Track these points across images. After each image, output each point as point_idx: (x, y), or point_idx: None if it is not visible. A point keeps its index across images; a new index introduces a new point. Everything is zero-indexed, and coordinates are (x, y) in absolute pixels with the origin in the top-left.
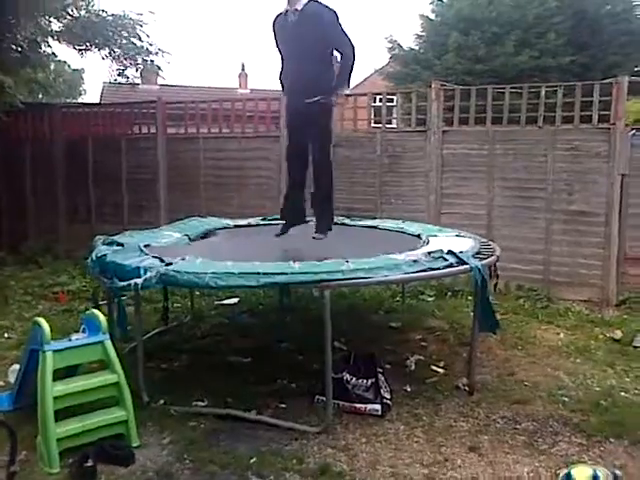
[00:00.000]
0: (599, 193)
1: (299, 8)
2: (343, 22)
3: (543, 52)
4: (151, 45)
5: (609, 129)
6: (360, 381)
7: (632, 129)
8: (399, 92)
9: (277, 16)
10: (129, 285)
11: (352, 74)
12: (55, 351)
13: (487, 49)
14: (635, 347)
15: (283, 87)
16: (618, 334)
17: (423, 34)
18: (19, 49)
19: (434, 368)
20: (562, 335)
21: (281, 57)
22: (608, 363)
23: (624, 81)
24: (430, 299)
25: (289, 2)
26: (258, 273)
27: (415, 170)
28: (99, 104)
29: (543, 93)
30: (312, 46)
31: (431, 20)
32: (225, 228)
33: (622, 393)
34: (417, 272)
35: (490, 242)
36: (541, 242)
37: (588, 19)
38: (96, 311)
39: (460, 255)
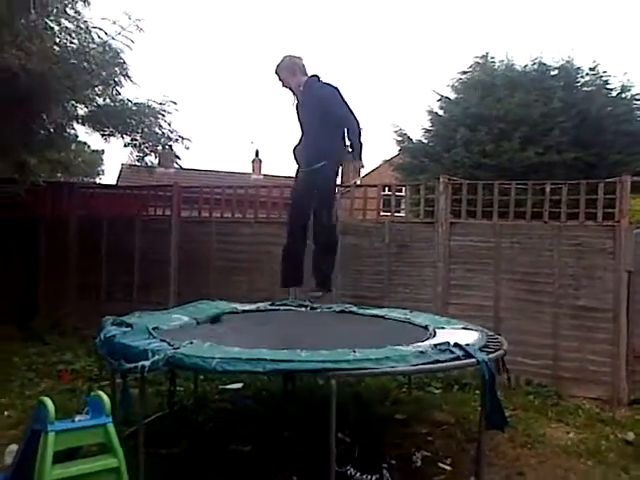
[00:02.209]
0: (606, 289)
1: (301, 88)
2: (346, 97)
3: (548, 149)
4: (172, 132)
5: (614, 226)
6: (365, 476)
7: (637, 227)
8: (408, 184)
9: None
10: (136, 367)
11: (362, 146)
12: (58, 432)
13: (494, 144)
14: None
15: (296, 159)
16: (631, 436)
17: (432, 128)
18: (45, 132)
19: (441, 465)
20: (572, 434)
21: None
22: (621, 467)
23: (627, 180)
24: (437, 391)
25: (291, 89)
26: (265, 359)
27: (423, 260)
28: (116, 186)
29: (548, 190)
30: (316, 119)
31: (439, 116)
32: (233, 313)
33: None
34: (424, 364)
35: (497, 335)
36: (549, 337)
37: (591, 119)
38: (101, 392)
39: (467, 348)
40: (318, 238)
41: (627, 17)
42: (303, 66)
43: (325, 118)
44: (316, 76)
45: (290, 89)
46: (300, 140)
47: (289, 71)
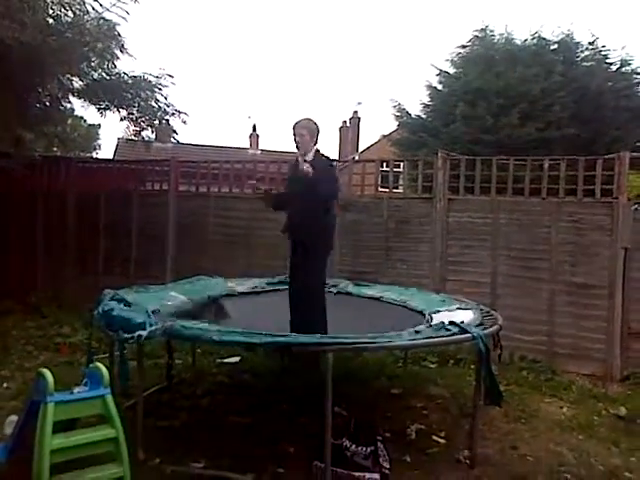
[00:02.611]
0: (602, 266)
1: (308, 159)
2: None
3: (548, 124)
4: (168, 107)
5: (612, 203)
6: (359, 448)
7: (635, 203)
8: (406, 160)
9: (292, 163)
10: (133, 337)
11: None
12: (57, 403)
13: (493, 120)
14: None
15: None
16: (622, 411)
17: (430, 103)
18: (41, 105)
19: (435, 438)
20: (565, 409)
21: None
22: (612, 441)
23: (626, 156)
24: (432, 366)
25: (300, 148)
26: (261, 333)
27: (421, 236)
28: (114, 160)
29: (546, 166)
30: (311, 197)
31: (438, 90)
32: (230, 295)
33: (627, 473)
34: (420, 339)
35: (493, 311)
36: (544, 313)
37: (591, 94)
38: (99, 364)
39: (462, 325)
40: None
41: None
42: (318, 135)
43: (315, 196)
44: (319, 150)
45: (297, 147)
46: (296, 205)
47: (311, 135)
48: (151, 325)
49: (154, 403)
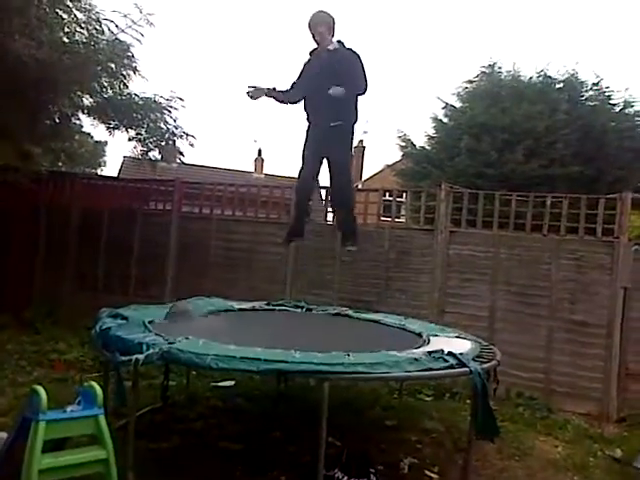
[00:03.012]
0: (601, 305)
1: (331, 48)
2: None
3: (552, 161)
4: (177, 129)
5: (612, 242)
6: None
7: (635, 244)
8: (409, 190)
9: (311, 52)
10: (130, 360)
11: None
12: (49, 421)
13: (497, 155)
14: (636, 468)
15: (308, 115)
16: (618, 453)
17: (435, 135)
18: (51, 122)
19: (428, 473)
20: (560, 449)
21: (304, 90)
22: None
23: (628, 196)
24: (428, 399)
25: (320, 43)
26: (259, 359)
27: (421, 267)
28: (118, 178)
29: (549, 203)
30: (339, 81)
31: (444, 123)
32: (229, 311)
33: None
34: (417, 371)
35: (491, 346)
36: (542, 350)
37: (595, 133)
38: (93, 383)
39: (460, 357)
40: (336, 197)
41: (629, 33)
42: (334, 26)
43: (346, 82)
44: (341, 41)
45: (317, 43)
46: (314, 97)
47: (327, 27)
48: (148, 347)
49: (146, 424)
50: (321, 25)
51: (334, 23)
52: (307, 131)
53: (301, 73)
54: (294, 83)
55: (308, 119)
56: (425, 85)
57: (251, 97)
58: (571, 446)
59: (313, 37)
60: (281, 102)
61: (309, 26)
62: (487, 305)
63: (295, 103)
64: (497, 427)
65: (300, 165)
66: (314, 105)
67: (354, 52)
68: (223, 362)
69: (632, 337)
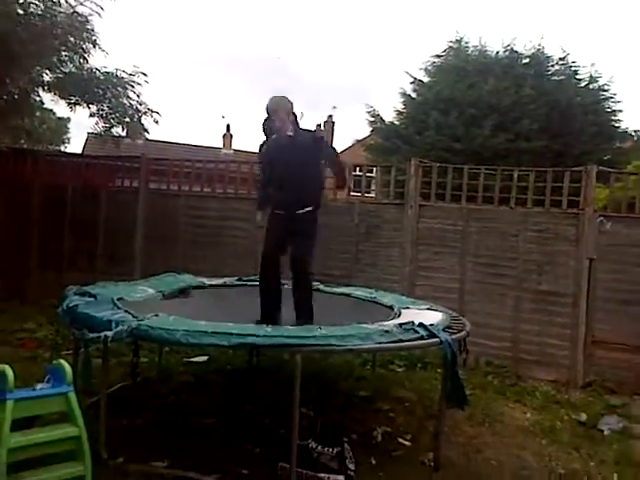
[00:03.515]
0: (567, 275)
1: (291, 134)
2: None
3: (518, 136)
4: (140, 105)
5: (578, 214)
6: (325, 450)
7: (600, 215)
8: (379, 165)
9: (265, 141)
10: (99, 337)
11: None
12: (17, 400)
13: (465, 129)
14: (600, 430)
15: (264, 202)
16: (583, 416)
17: (404, 110)
18: (9, 97)
19: (401, 441)
20: (529, 415)
21: (268, 176)
22: (573, 446)
23: (593, 169)
24: (400, 369)
25: (280, 129)
26: (230, 334)
27: (391, 241)
28: (82, 155)
29: (516, 176)
30: (304, 164)
31: (412, 98)
32: (200, 287)
33: (586, 477)
34: (388, 342)
35: (461, 317)
36: (511, 319)
37: (561, 108)
38: (62, 361)
39: (431, 328)
40: (296, 282)
41: (595, 8)
42: (292, 110)
43: (313, 162)
44: (296, 123)
45: (271, 130)
46: (276, 183)
47: (286, 113)
48: (117, 325)
49: (118, 401)
50: (280, 111)
51: (292, 107)
52: (269, 219)
53: (264, 164)
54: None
55: (265, 204)
56: (394, 60)
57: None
58: (539, 412)
59: (273, 123)
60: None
61: (267, 111)
62: (457, 277)
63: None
64: (466, 396)
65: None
66: (278, 190)
67: (313, 131)
68: (194, 337)
69: (597, 306)
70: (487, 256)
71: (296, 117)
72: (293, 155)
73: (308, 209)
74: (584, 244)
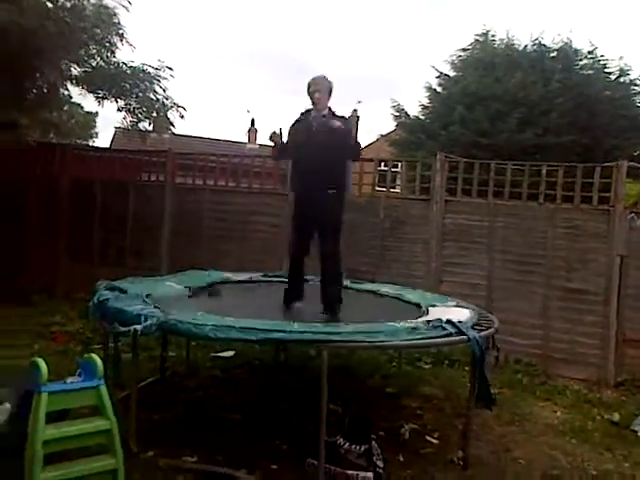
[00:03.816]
0: (598, 272)
1: (325, 114)
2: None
3: (546, 130)
4: (167, 99)
5: (608, 211)
6: (353, 447)
7: (631, 212)
8: (405, 160)
9: (302, 113)
10: (129, 330)
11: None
12: (50, 393)
13: (491, 124)
14: (633, 431)
15: (295, 182)
16: (616, 416)
17: (429, 105)
18: (38, 91)
19: (429, 439)
20: (559, 413)
21: (295, 155)
22: (605, 446)
23: (624, 165)
24: (427, 366)
25: (314, 107)
26: (257, 329)
27: (417, 237)
28: (110, 149)
29: (544, 171)
30: (333, 148)
31: (438, 93)
32: (226, 282)
33: (619, 479)
34: (415, 339)
35: (489, 314)
36: (540, 317)
37: (590, 102)
38: (93, 355)
39: (459, 325)
40: (324, 266)
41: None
42: (332, 92)
43: (341, 149)
44: (330, 108)
45: (314, 106)
46: (304, 165)
47: (326, 94)
48: (147, 319)
49: (148, 395)
50: (322, 87)
51: (332, 89)
52: (295, 201)
53: (289, 135)
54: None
55: (293, 187)
56: (420, 53)
57: (271, 139)
58: (570, 411)
59: (311, 98)
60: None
61: (308, 89)
62: (484, 274)
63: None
64: (492, 396)
65: (292, 234)
66: (303, 171)
67: (346, 119)
68: (221, 332)
69: (629, 304)
70: (515, 253)
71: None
72: (321, 137)
73: (333, 191)
74: (614, 241)
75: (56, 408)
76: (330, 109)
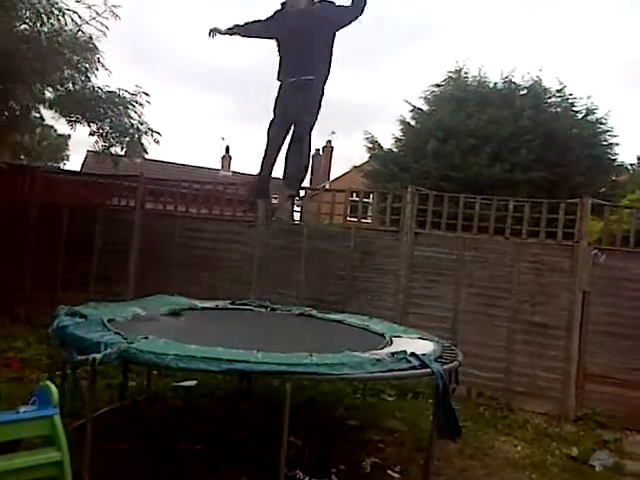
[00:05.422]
0: (561, 307)
1: (302, 6)
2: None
3: (514, 166)
4: (141, 124)
5: (572, 246)
6: None
7: (594, 248)
8: (376, 192)
9: (279, 11)
10: (87, 359)
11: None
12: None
13: (462, 158)
14: (592, 466)
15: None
16: (575, 451)
17: (402, 138)
18: (10, 114)
19: (390, 473)
20: (519, 448)
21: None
22: None
23: (588, 202)
24: (391, 399)
25: (292, 3)
26: (220, 359)
27: (386, 268)
28: (81, 172)
29: (511, 206)
30: (314, 36)
31: (411, 126)
32: (192, 309)
33: None
34: (379, 372)
35: (454, 347)
36: (503, 350)
37: (557, 140)
38: (49, 383)
39: (423, 358)
40: (293, 144)
41: (591, 42)
42: None
43: (323, 38)
44: None
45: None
46: (290, 52)
47: None
48: (106, 347)
49: (104, 425)
50: None
51: None
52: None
53: (271, 18)
54: (260, 20)
55: (279, 76)
56: (393, 88)
57: (211, 36)
58: (530, 445)
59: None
60: (243, 36)
61: None
62: (450, 306)
63: (253, 37)
64: (459, 427)
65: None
66: (287, 54)
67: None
68: (183, 362)
69: (591, 339)
70: (481, 286)
71: None
72: (303, 27)
73: (313, 77)
74: (578, 276)
75: (5, 439)
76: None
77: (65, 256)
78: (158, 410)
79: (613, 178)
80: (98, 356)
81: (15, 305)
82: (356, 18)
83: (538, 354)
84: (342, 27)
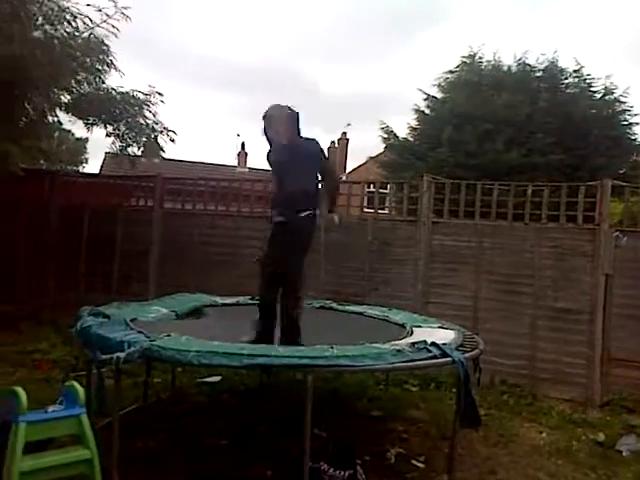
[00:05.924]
0: (584, 291)
1: (286, 141)
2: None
3: (532, 150)
4: (157, 124)
5: (594, 229)
6: (338, 472)
7: (616, 230)
8: (392, 182)
9: (271, 148)
10: (111, 358)
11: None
12: (29, 423)
13: (478, 145)
14: (618, 451)
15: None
16: (601, 437)
17: (418, 127)
18: (27, 119)
19: (414, 462)
20: (545, 434)
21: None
22: (590, 466)
23: (608, 184)
24: (414, 389)
25: (282, 138)
26: (242, 354)
27: (404, 258)
28: (99, 175)
29: (530, 191)
30: (308, 169)
31: (426, 114)
32: (213, 306)
33: None
34: (400, 362)
35: (474, 335)
36: (526, 337)
37: (575, 121)
38: (75, 383)
39: (443, 347)
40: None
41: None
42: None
43: (315, 170)
44: (298, 130)
45: (270, 139)
46: (283, 189)
47: (280, 123)
48: (130, 346)
49: (131, 423)
50: (274, 122)
51: (292, 115)
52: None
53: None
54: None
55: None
56: (408, 76)
57: None
58: (555, 432)
59: (265, 133)
60: None
61: (265, 121)
62: (471, 294)
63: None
64: (479, 417)
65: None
66: (284, 193)
67: (317, 141)
68: (205, 358)
69: (614, 323)
70: (502, 273)
71: (298, 122)
72: (296, 160)
73: (308, 212)
74: (600, 260)
75: (35, 438)
76: (297, 131)
77: (87, 258)
78: (183, 407)
79: (634, 158)
80: (122, 355)
81: (40, 308)
82: None
83: (562, 340)
84: None
